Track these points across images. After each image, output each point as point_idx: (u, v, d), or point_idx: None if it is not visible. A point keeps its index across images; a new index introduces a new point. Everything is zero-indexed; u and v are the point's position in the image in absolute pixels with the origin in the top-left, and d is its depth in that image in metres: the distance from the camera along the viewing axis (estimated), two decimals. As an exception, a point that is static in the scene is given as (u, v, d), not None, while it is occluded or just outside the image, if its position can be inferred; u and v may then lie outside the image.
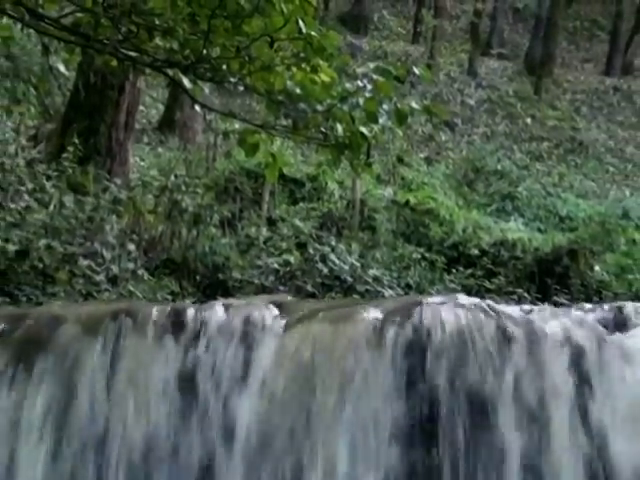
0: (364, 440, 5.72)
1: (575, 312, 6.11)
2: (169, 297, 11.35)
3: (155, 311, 6.48)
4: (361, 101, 9.54)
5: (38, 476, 6.14)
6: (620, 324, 5.86)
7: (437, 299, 6.20)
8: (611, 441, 5.50)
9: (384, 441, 5.70)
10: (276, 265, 13.30)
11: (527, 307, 6.33)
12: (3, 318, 6.74)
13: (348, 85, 9.60)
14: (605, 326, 5.85)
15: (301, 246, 14.03)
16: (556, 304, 6.47)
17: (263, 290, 12.09)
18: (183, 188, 14.73)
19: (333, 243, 14.41)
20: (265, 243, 13.92)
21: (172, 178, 15.17)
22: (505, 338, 5.79)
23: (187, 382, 6.09)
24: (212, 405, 6.00)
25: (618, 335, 5.76)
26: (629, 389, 5.54)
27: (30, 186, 13.11)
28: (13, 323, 6.64)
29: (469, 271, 15.48)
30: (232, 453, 5.87)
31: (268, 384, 5.92)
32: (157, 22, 9.22)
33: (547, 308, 6.30)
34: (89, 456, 6.13)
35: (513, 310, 6.06)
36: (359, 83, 9.63)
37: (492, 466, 5.60)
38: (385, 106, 9.66)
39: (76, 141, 14.41)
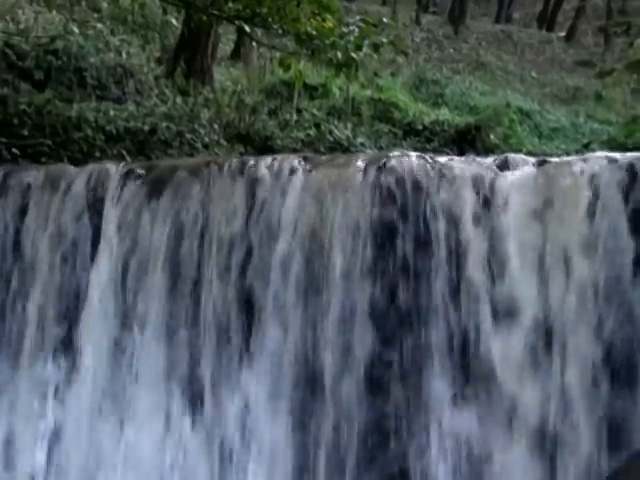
0: (352, 240, 5.74)
1: (480, 160, 6.07)
2: (239, 155, 11.28)
3: (231, 162, 6.46)
4: (352, 38, 9.48)
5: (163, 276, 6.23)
6: (505, 166, 5.83)
7: (398, 153, 6.19)
8: (502, 231, 5.51)
9: (367, 236, 5.73)
10: (302, 137, 13.20)
11: (451, 157, 6.28)
12: (143, 167, 6.72)
13: (344, 29, 9.56)
14: (498, 167, 5.82)
15: (317, 125, 13.90)
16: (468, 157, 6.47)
17: (294, 151, 12.00)
18: (245, 92, 14.62)
19: (336, 123, 14.32)
20: (295, 123, 13.78)
21: (239, 86, 15.04)
22: (438, 175, 5.76)
23: (250, 201, 6.10)
24: (268, 205, 6.03)
25: (504, 172, 5.74)
26: (509, 201, 5.54)
27: (156, 91, 13.02)
28: (148, 170, 6.64)
29: (417, 139, 15.35)
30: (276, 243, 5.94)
31: (299, 202, 5.92)
32: (230, -7, 9.26)
33: (463, 158, 6.24)
34: (194, 249, 6.17)
35: (443, 159, 6.02)
36: (351, 28, 9.59)
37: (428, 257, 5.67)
38: (366, 41, 9.61)
39: (183, 65, 14.33)
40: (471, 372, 5.41)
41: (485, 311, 5.42)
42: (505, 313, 5.38)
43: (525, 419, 5.22)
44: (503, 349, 5.33)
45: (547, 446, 5.15)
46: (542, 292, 5.32)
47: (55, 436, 6.33)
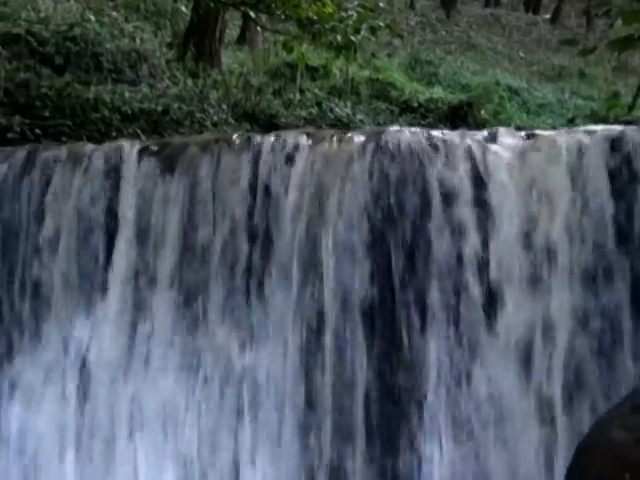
0: (351, 198, 5.78)
1: (470, 134, 6.12)
2: (246, 132, 11.26)
3: (238, 138, 6.51)
4: (350, 22, 9.47)
5: (176, 244, 6.27)
6: (494, 139, 5.89)
7: (395, 128, 6.23)
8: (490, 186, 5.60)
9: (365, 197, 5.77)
10: (304, 114, 13.15)
11: (445, 131, 6.32)
12: (157, 144, 6.81)
13: (343, 14, 9.55)
14: (486, 140, 5.87)
15: (318, 104, 13.84)
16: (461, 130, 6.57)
17: (298, 128, 11.96)
18: (251, 73, 14.56)
19: (336, 102, 14.27)
20: (298, 102, 13.72)
21: (245, 68, 14.99)
22: (433, 147, 5.81)
23: (256, 174, 6.14)
24: (273, 178, 6.06)
25: (492, 144, 5.79)
26: (493, 167, 5.63)
27: (168, 74, 12.96)
28: (162, 147, 6.69)
29: (412, 115, 15.24)
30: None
31: (303, 174, 5.96)
32: (236, -19, 9.24)
33: (456, 132, 6.28)
34: (209, 216, 6.20)
35: (438, 133, 6.07)
36: (349, 13, 9.57)
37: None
38: (364, 25, 9.59)
39: (192, 49, 14.28)
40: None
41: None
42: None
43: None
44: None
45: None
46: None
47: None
